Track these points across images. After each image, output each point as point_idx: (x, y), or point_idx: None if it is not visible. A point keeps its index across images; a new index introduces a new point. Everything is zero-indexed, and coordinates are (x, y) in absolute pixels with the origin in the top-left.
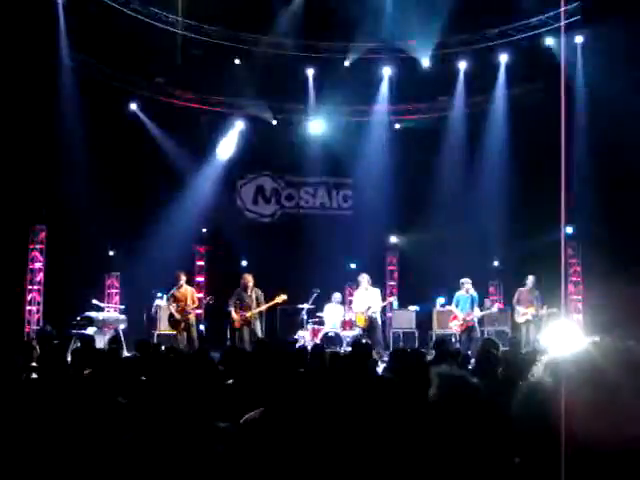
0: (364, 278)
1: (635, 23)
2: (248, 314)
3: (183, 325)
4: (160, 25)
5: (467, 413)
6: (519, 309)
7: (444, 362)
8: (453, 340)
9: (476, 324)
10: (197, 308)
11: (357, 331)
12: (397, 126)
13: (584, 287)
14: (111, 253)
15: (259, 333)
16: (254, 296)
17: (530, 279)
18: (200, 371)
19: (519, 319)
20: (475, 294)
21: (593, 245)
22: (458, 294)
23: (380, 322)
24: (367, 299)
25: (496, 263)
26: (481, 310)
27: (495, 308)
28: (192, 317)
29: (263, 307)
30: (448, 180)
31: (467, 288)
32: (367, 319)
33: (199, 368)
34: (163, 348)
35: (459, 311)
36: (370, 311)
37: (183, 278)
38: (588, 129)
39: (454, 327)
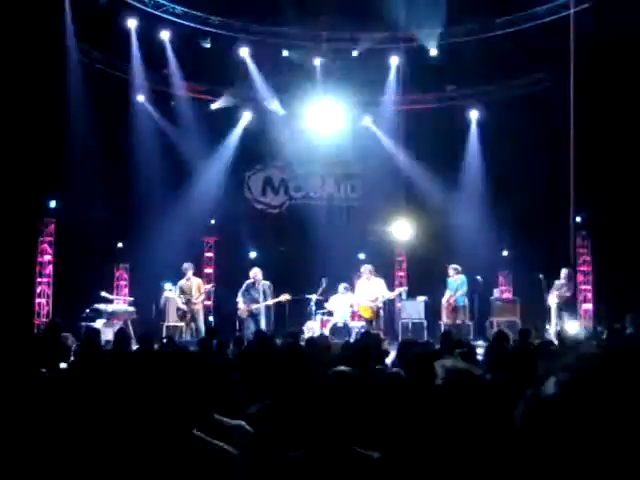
0: (366, 269)
1: None
2: (253, 306)
3: (189, 316)
4: (167, 17)
5: (471, 408)
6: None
7: (449, 354)
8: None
9: (459, 307)
10: (205, 299)
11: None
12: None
13: (594, 277)
14: (120, 245)
15: (262, 325)
16: (262, 290)
17: (562, 272)
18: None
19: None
20: (460, 278)
21: (603, 233)
22: (448, 280)
23: (383, 313)
24: (371, 290)
25: (505, 253)
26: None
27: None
28: (197, 308)
29: (269, 302)
30: (456, 168)
31: (451, 273)
32: (375, 310)
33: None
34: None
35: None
36: (379, 301)
37: (190, 270)
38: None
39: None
